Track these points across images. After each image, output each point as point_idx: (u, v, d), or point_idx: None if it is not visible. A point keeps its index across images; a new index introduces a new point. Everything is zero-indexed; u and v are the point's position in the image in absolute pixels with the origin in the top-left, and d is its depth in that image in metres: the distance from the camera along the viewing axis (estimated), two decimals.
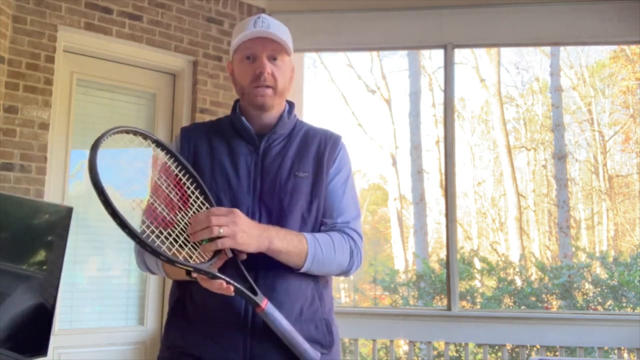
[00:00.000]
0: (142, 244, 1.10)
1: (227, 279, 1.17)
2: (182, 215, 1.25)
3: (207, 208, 1.28)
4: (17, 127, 2.77)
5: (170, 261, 1.12)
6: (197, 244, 1.20)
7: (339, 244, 1.35)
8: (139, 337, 3.17)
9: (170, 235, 1.21)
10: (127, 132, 1.21)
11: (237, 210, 1.21)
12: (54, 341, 2.55)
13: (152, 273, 1.41)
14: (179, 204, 1.27)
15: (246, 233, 1.19)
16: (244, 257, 1.24)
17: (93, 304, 3.14)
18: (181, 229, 1.23)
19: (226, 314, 1.28)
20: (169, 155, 1.30)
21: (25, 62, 2.81)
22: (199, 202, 1.29)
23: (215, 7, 3.44)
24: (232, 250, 1.22)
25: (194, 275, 1.18)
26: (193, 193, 1.29)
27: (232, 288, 1.17)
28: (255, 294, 1.21)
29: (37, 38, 2.85)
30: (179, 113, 3.38)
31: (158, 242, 1.15)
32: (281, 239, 1.25)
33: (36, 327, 2.25)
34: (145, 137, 1.25)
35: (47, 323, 2.29)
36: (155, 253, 1.10)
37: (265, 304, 1.21)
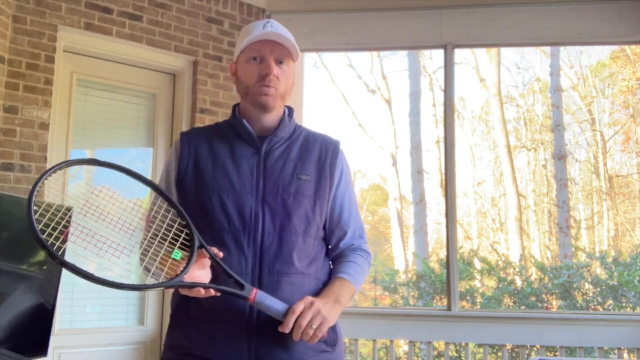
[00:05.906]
0: (98, 281, 1.16)
1: (205, 284, 1.20)
2: (148, 232, 1.28)
3: (178, 222, 1.27)
4: (17, 127, 2.77)
5: (137, 288, 1.20)
6: (166, 257, 1.23)
7: (365, 269, 1.47)
8: (139, 337, 3.17)
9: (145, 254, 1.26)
10: (68, 165, 1.25)
11: (315, 302, 1.25)
12: (54, 341, 2.55)
13: None
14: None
15: (330, 313, 1.27)
16: (221, 255, 1.26)
17: (93, 304, 3.14)
18: (148, 242, 1.26)
19: (231, 313, 1.29)
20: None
21: (25, 62, 2.81)
22: (168, 216, 1.29)
23: (215, 7, 3.44)
24: (208, 250, 1.24)
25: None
26: (161, 207, 1.30)
27: (212, 291, 1.20)
28: (242, 287, 1.23)
29: (37, 38, 2.85)
30: (179, 113, 3.38)
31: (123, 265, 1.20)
32: (346, 301, 1.36)
33: (36, 327, 2.25)
34: (88, 162, 1.28)
35: (47, 323, 2.29)
36: (117, 285, 1.17)
37: (254, 294, 1.22)
